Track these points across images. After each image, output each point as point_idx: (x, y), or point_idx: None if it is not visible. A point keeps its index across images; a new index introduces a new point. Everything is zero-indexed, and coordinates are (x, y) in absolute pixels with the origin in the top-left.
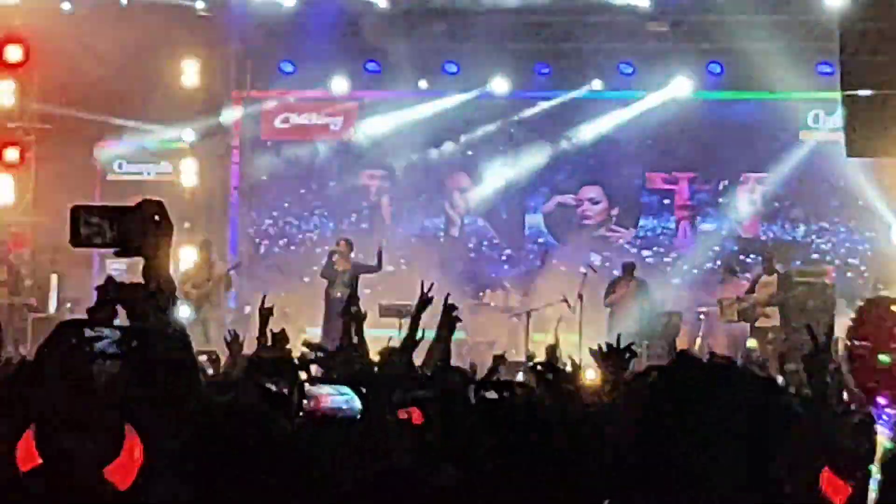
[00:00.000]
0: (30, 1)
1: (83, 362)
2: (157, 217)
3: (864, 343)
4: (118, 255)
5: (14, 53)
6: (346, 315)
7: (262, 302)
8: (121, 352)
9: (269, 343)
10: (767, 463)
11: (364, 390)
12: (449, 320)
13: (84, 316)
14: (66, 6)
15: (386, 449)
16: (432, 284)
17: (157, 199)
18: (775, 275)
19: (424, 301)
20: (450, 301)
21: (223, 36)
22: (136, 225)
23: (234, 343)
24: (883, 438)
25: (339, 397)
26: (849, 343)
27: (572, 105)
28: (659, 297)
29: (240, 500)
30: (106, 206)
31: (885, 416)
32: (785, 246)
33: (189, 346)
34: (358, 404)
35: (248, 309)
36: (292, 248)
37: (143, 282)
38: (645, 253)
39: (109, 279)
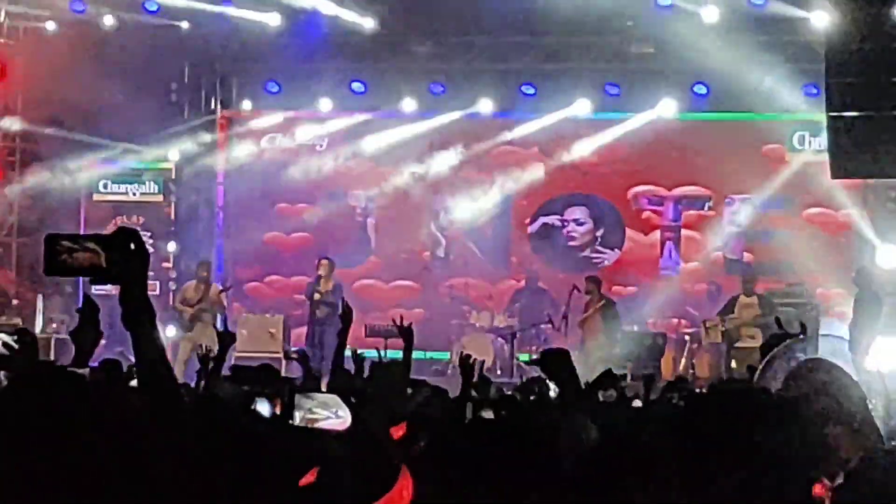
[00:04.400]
0: (14, 20)
1: None
2: (133, 245)
3: None
4: (93, 282)
5: None
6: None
7: (226, 329)
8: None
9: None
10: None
11: (354, 401)
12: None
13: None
14: (51, 26)
15: (376, 462)
16: (401, 318)
17: (133, 227)
18: (755, 297)
19: (407, 334)
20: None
21: (209, 56)
22: (112, 253)
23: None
24: None
25: (333, 420)
26: None
27: (557, 125)
28: (637, 318)
29: None
30: (80, 234)
31: None
32: (768, 267)
33: (169, 371)
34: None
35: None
36: (278, 268)
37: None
38: (628, 273)
39: (87, 300)
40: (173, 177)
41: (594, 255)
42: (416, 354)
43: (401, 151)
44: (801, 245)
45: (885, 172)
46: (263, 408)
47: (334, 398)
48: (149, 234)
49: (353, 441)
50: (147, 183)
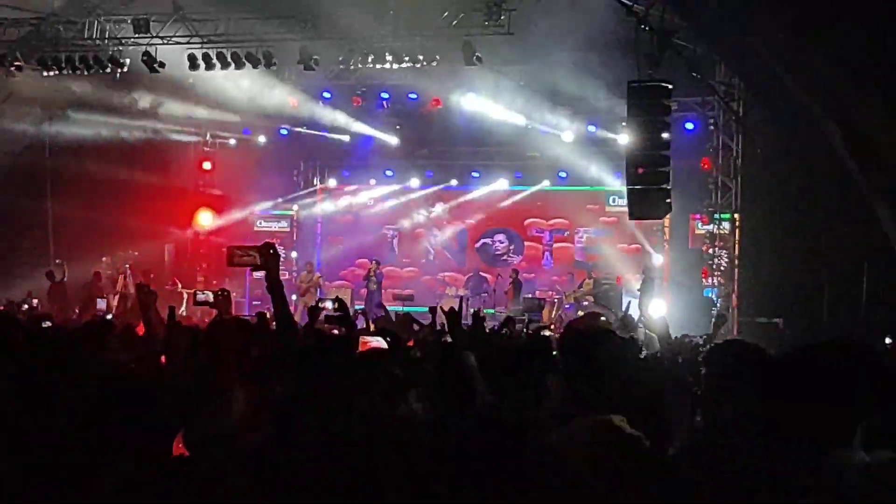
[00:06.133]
0: (214, 138)
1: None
2: (271, 251)
3: None
4: (253, 270)
5: (207, 165)
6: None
7: (317, 303)
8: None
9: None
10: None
11: (388, 337)
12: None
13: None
14: (232, 141)
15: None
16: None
17: (272, 241)
18: (591, 280)
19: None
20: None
21: (314, 156)
22: (261, 255)
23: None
24: None
25: (374, 342)
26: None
27: (490, 193)
28: (531, 290)
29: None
30: (244, 245)
31: None
32: (598, 265)
33: (291, 318)
34: (384, 344)
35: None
36: (347, 266)
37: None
38: (527, 268)
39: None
40: (295, 218)
41: (508, 258)
42: (416, 308)
43: (410, 206)
44: (615, 254)
45: (654, 216)
46: (328, 304)
47: (377, 337)
48: (282, 248)
49: (388, 351)
50: (281, 221)
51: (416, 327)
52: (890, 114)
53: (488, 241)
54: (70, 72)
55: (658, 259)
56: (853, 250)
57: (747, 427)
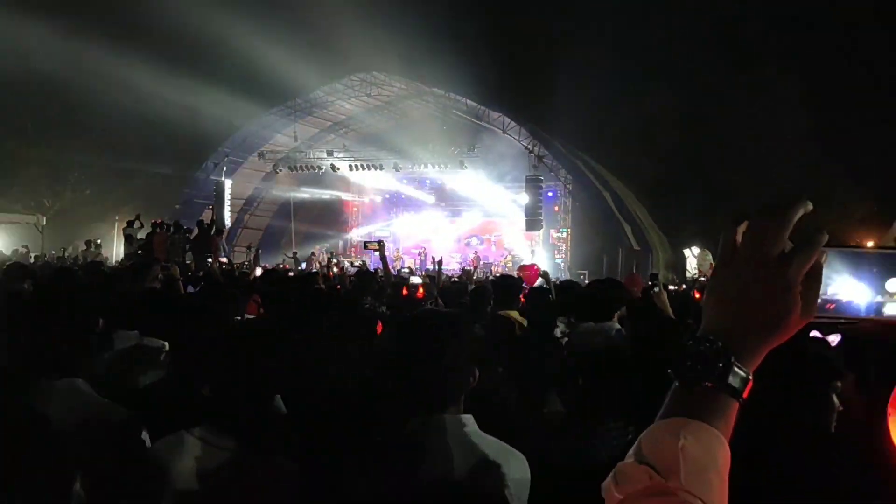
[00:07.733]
0: (358, 196)
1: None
2: (382, 243)
3: None
4: (374, 251)
5: (354, 209)
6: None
7: (400, 268)
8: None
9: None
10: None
11: (428, 279)
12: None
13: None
14: (366, 199)
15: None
16: (440, 260)
17: (382, 239)
18: (511, 256)
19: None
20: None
21: (398, 205)
22: (378, 244)
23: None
24: None
25: (414, 280)
26: None
27: (471, 221)
28: (488, 263)
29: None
30: (370, 240)
31: None
32: (515, 251)
33: (390, 272)
34: (419, 280)
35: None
36: (412, 249)
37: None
38: (485, 252)
39: (380, 243)
40: (390, 230)
41: (477, 248)
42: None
43: (438, 225)
44: (520, 245)
45: (536, 230)
46: (406, 270)
47: (416, 276)
48: (387, 241)
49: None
50: (384, 231)
51: (444, 276)
52: (626, 187)
53: (469, 240)
54: (300, 171)
55: (538, 250)
56: (615, 246)
57: (575, 313)
